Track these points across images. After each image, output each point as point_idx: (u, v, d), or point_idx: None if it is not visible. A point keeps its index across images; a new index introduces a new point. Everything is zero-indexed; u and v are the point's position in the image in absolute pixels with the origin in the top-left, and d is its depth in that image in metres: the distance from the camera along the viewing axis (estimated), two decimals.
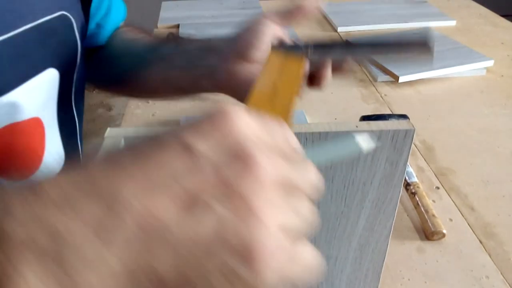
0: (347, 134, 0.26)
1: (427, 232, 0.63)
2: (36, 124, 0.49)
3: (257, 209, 0.20)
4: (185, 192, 0.20)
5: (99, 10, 0.61)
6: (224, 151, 0.21)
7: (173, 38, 0.58)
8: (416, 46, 0.42)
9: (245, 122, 0.22)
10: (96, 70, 0.65)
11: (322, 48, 0.44)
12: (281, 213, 0.21)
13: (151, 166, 0.20)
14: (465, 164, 0.78)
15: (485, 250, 0.62)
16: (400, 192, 0.42)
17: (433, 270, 0.59)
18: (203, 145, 0.21)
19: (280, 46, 0.43)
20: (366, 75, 1.09)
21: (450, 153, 0.81)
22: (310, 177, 0.24)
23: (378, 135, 0.37)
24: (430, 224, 0.63)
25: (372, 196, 0.41)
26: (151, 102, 0.94)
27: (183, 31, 1.31)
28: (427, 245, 0.62)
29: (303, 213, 0.23)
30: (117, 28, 0.65)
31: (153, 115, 0.92)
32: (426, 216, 0.64)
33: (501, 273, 0.58)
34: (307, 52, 0.42)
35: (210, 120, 0.22)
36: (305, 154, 0.25)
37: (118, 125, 0.94)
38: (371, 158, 0.39)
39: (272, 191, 0.21)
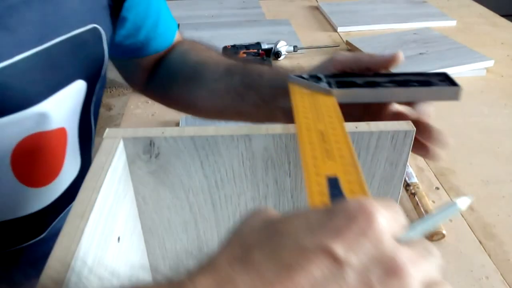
0: (451, 204, 0.26)
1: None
2: (61, 134, 0.50)
3: None
4: None
5: (146, 22, 0.62)
6: (373, 262, 0.20)
7: (240, 64, 0.57)
8: (446, 93, 0.41)
9: (386, 222, 0.21)
10: (159, 84, 0.66)
11: (345, 84, 0.41)
12: None
13: (300, 280, 0.19)
14: (465, 164, 0.78)
15: (485, 250, 0.62)
16: (400, 192, 0.42)
17: None
18: (352, 256, 0.20)
19: (298, 78, 0.42)
20: None
21: (450, 153, 0.81)
22: (437, 260, 0.23)
23: (377, 136, 0.37)
24: None
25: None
26: (150, 102, 0.94)
27: (183, 31, 1.31)
28: None
29: None
30: (172, 43, 0.67)
31: (152, 115, 0.92)
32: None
33: (500, 274, 0.58)
34: (330, 87, 0.40)
35: (354, 224, 0.21)
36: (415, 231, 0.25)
37: (118, 125, 0.94)
38: (370, 159, 0.39)
39: None
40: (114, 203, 0.34)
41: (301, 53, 1.19)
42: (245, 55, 1.04)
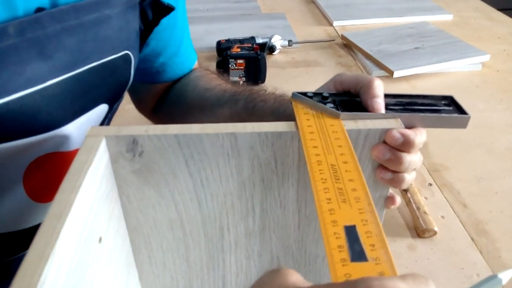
0: (494, 278, 0.25)
1: (418, 230, 0.62)
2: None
3: None
4: None
5: (166, 50, 0.61)
6: None
7: (246, 91, 0.56)
8: (455, 121, 0.39)
9: None
10: (166, 110, 0.66)
11: (350, 104, 0.39)
12: None
13: None
14: (458, 160, 0.78)
15: (477, 247, 0.61)
16: (388, 191, 0.41)
17: (423, 268, 0.58)
18: None
19: (303, 96, 0.40)
20: (361, 69, 1.08)
21: (444, 149, 0.80)
22: None
23: (365, 134, 0.37)
24: (421, 222, 0.62)
25: None
26: None
27: None
28: (418, 243, 0.62)
29: None
30: (189, 72, 0.66)
31: None
32: (417, 214, 0.64)
33: (492, 271, 0.58)
34: (337, 109, 0.38)
35: None
36: None
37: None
38: (358, 158, 0.38)
39: None
40: (95, 203, 0.33)
41: (295, 48, 1.18)
42: (239, 49, 1.03)
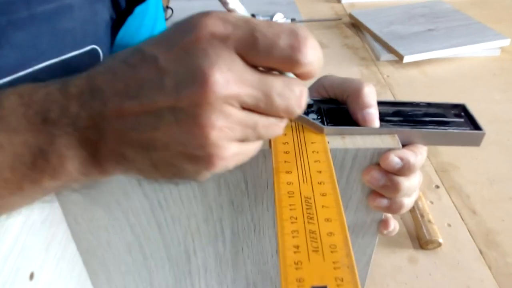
0: None
1: (421, 241, 0.56)
2: None
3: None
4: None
5: (134, 40, 0.53)
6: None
7: None
8: (466, 138, 0.33)
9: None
10: None
11: (338, 115, 0.32)
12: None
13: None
14: (469, 158, 0.71)
15: (485, 262, 0.55)
16: (382, 214, 0.35)
17: (424, 285, 0.52)
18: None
19: None
20: (369, 52, 1.00)
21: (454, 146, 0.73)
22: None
23: (354, 154, 0.30)
24: (425, 231, 0.56)
25: (348, 222, 0.35)
26: None
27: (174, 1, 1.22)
28: (421, 255, 0.56)
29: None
30: None
31: None
32: (421, 222, 0.57)
33: None
34: (322, 122, 0.31)
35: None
36: None
37: None
38: (345, 181, 0.32)
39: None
40: (22, 236, 0.28)
41: None
42: None
